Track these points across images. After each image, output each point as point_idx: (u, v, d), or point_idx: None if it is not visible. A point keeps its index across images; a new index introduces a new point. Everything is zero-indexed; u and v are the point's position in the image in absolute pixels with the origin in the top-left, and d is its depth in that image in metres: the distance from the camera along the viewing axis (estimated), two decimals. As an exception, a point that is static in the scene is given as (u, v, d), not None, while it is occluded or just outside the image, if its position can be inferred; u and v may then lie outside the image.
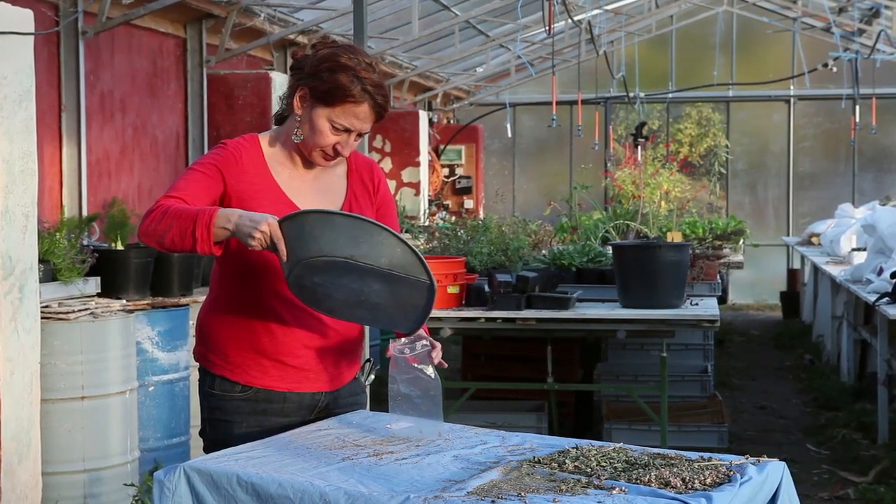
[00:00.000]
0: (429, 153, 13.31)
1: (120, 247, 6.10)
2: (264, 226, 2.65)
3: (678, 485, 2.38)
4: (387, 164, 12.43)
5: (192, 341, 6.05)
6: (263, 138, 2.99)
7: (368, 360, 3.14)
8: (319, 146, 2.90)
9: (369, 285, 2.71)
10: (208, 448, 2.95)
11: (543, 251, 7.46)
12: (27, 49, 4.68)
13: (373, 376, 3.14)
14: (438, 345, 2.89)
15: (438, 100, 15.22)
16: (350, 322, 2.92)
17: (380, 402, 3.32)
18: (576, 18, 11.23)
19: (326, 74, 2.84)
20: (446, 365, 2.98)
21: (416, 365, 2.83)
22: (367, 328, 3.07)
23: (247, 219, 2.67)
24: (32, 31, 4.72)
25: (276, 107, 8.86)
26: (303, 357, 2.95)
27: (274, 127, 3.04)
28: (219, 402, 2.96)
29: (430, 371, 2.84)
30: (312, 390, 2.98)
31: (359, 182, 3.05)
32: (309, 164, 2.97)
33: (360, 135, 2.92)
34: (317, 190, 2.98)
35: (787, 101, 15.69)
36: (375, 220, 2.94)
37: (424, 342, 2.84)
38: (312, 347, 2.95)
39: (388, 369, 2.86)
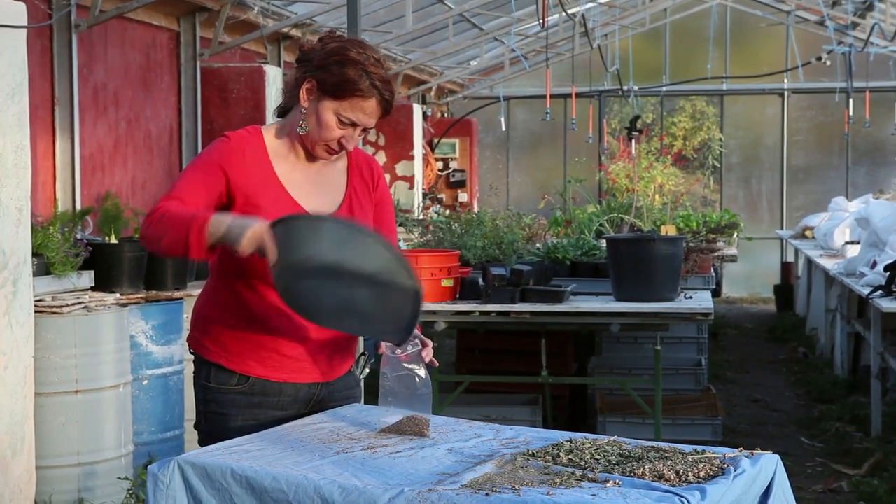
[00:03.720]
0: (423, 147, 13.31)
1: (113, 240, 6.09)
2: (253, 229, 2.63)
3: (672, 478, 2.39)
4: (381, 158, 12.42)
5: (185, 335, 6.05)
6: (267, 131, 2.97)
7: (363, 354, 3.15)
8: (325, 139, 2.90)
9: (358, 291, 2.69)
10: (203, 441, 2.95)
11: (537, 245, 7.46)
12: (20, 42, 4.66)
13: (367, 370, 3.16)
14: (430, 343, 2.90)
15: (432, 93, 15.21)
16: (342, 332, 2.90)
17: (374, 395, 3.32)
18: (570, 12, 11.22)
19: (335, 68, 2.84)
20: (437, 364, 2.98)
21: (406, 363, 2.84)
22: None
23: (237, 224, 2.66)
24: (25, 24, 4.70)
25: (269, 100, 8.87)
26: (299, 348, 2.95)
27: (277, 119, 3.03)
28: (214, 395, 2.96)
29: (421, 370, 2.84)
30: (308, 381, 2.98)
31: (359, 177, 3.06)
32: (311, 157, 2.97)
33: (364, 130, 2.92)
34: (318, 184, 2.98)
35: (781, 95, 15.70)
36: (374, 215, 3.01)
37: (416, 341, 2.84)
38: (309, 339, 2.95)
39: (380, 366, 2.86)
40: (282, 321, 2.92)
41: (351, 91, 2.84)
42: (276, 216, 2.82)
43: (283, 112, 3.01)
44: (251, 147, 2.91)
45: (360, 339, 3.47)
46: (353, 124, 2.88)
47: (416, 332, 2.85)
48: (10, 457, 4.62)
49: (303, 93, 2.89)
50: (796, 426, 7.75)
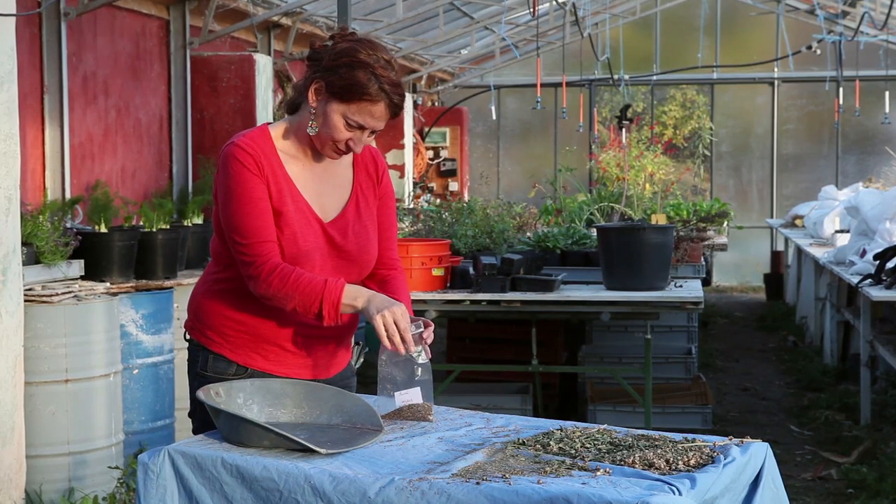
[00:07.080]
0: (413, 136, 13.29)
1: (103, 229, 6.08)
2: (392, 311, 2.77)
3: (662, 466, 2.39)
4: (371, 147, 12.39)
5: (176, 324, 6.04)
6: (275, 129, 2.95)
7: (357, 344, 3.14)
8: (332, 140, 2.89)
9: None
10: (198, 430, 2.93)
11: (528, 234, 7.47)
12: (9, 30, 4.65)
13: (362, 359, 3.15)
14: (432, 324, 2.88)
15: (423, 82, 15.19)
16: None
17: (366, 385, 3.32)
18: (560, 0, 11.21)
19: (344, 70, 2.82)
20: (431, 355, 2.96)
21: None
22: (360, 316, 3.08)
23: (377, 301, 2.80)
24: (14, 12, 4.69)
25: (259, 89, 8.83)
26: (301, 344, 2.95)
27: (286, 116, 3.01)
28: (210, 384, 2.94)
29: (421, 355, 2.82)
30: (308, 377, 2.96)
31: (364, 173, 3.05)
32: (319, 155, 2.96)
33: (373, 132, 2.91)
34: (326, 182, 2.97)
35: (772, 84, 15.71)
36: (377, 210, 3.04)
37: (418, 323, 2.82)
38: (311, 335, 2.95)
39: (378, 352, 2.84)
40: (285, 315, 2.91)
41: (359, 95, 2.82)
42: (297, 223, 2.86)
43: (292, 107, 2.99)
44: (263, 151, 2.89)
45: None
46: (361, 127, 2.87)
47: (414, 316, 2.85)
48: (0, 446, 4.61)
49: (311, 93, 2.87)
50: (786, 414, 7.77)
